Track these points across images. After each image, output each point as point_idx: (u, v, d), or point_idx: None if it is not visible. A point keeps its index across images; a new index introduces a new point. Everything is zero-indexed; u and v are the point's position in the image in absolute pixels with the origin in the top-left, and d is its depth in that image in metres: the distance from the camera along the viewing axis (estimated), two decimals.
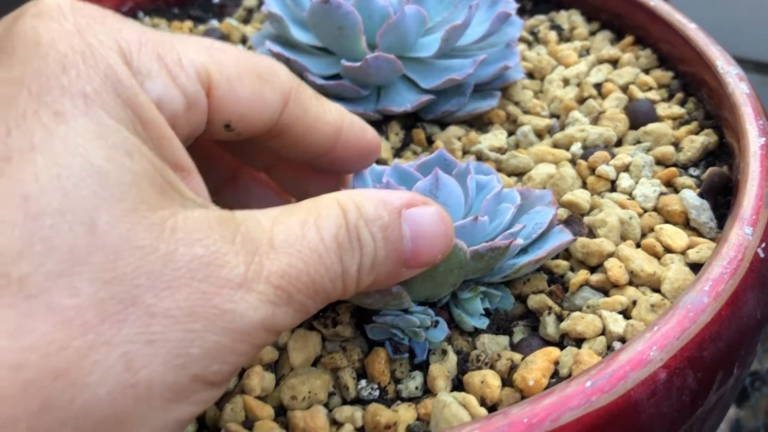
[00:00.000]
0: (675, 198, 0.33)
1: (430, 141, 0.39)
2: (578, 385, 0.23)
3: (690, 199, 0.32)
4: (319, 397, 0.27)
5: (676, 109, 0.39)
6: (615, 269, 0.30)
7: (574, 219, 0.32)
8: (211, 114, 0.24)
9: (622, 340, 0.28)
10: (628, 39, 0.45)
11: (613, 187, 0.35)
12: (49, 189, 0.18)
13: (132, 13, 0.52)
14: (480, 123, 0.40)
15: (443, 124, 0.40)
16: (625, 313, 0.29)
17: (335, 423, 0.26)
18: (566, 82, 0.42)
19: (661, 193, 0.34)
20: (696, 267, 0.30)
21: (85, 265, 0.18)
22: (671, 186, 0.35)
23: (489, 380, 0.27)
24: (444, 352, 0.28)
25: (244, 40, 0.49)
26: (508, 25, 0.41)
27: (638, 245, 0.32)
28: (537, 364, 0.27)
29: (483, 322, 0.30)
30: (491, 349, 0.28)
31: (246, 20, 0.52)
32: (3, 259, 0.18)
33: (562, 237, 0.30)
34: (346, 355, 0.28)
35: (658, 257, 0.31)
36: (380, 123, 0.40)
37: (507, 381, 0.27)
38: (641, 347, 0.24)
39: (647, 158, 0.35)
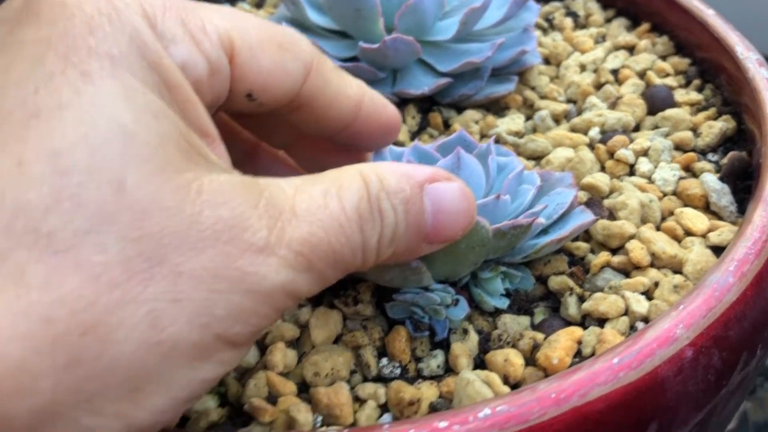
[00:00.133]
0: (695, 182, 0.33)
1: (446, 125, 0.39)
2: (605, 362, 0.23)
3: (711, 182, 0.32)
4: (341, 374, 0.27)
5: (694, 95, 0.39)
6: (637, 251, 0.29)
7: (594, 201, 0.32)
8: (233, 82, 0.24)
9: (645, 320, 0.27)
10: (645, 26, 0.44)
11: (631, 171, 0.35)
12: (77, 146, 0.18)
13: None
14: (496, 107, 0.40)
15: (460, 108, 0.40)
16: (647, 294, 0.29)
17: (358, 400, 0.26)
18: (583, 67, 0.42)
19: (681, 178, 0.34)
20: (717, 250, 0.30)
21: (113, 223, 0.18)
22: (690, 171, 0.35)
23: (512, 358, 0.26)
24: (465, 331, 0.28)
25: None
26: (525, 10, 0.41)
27: (658, 228, 0.32)
28: (561, 343, 0.26)
29: (503, 303, 0.29)
30: (513, 328, 0.28)
31: (259, 5, 0.52)
32: (32, 214, 0.18)
33: (583, 217, 0.30)
34: (367, 333, 0.28)
35: (678, 240, 0.31)
36: (397, 106, 0.39)
37: (529, 360, 0.27)
38: (668, 325, 0.24)
39: (666, 143, 0.35)
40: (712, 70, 0.40)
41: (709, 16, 0.40)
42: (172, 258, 0.19)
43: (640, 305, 0.28)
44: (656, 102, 0.38)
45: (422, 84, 0.39)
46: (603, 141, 0.36)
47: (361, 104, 0.28)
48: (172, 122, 0.20)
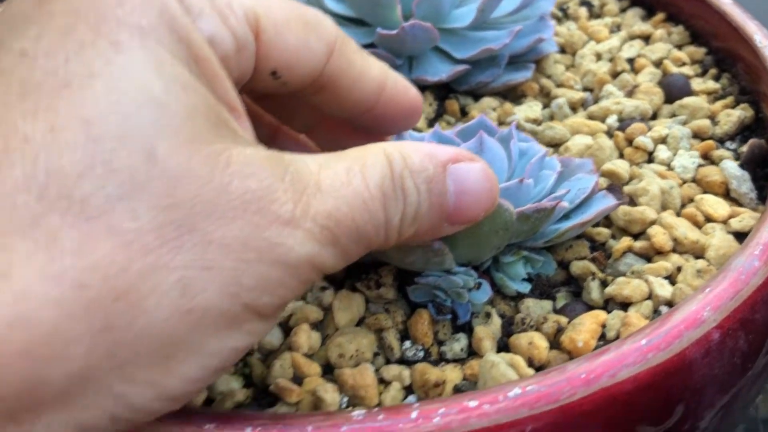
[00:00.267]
0: (714, 169, 0.33)
1: (463, 112, 0.39)
2: (634, 343, 0.23)
3: (731, 169, 0.32)
4: (365, 356, 0.27)
5: (711, 84, 0.39)
6: (659, 236, 0.29)
7: (615, 188, 0.32)
8: (258, 59, 0.24)
9: (669, 304, 0.27)
10: (660, 16, 0.44)
11: (650, 158, 0.35)
12: (108, 114, 0.18)
13: None
14: (513, 95, 0.40)
15: (476, 96, 0.40)
16: (670, 279, 0.29)
17: (382, 381, 0.26)
18: (598, 56, 0.42)
19: (699, 165, 0.34)
20: (739, 235, 0.30)
21: (145, 191, 0.18)
22: (708, 159, 0.35)
23: (536, 341, 0.26)
24: (488, 315, 0.28)
25: None
26: None
27: (678, 215, 0.32)
28: (585, 326, 0.26)
29: (525, 287, 0.29)
30: (536, 312, 0.28)
31: None
32: (65, 179, 0.18)
33: (606, 202, 0.30)
34: (390, 316, 0.28)
35: (698, 226, 0.31)
36: None
37: (553, 344, 0.27)
38: (695, 307, 0.24)
39: (685, 130, 0.35)
40: (729, 59, 0.40)
41: (726, 5, 0.40)
42: (202, 226, 0.19)
43: (664, 289, 0.28)
44: (673, 90, 0.38)
45: (439, 71, 0.39)
46: (621, 128, 0.36)
47: (383, 86, 0.28)
48: (200, 95, 0.20)
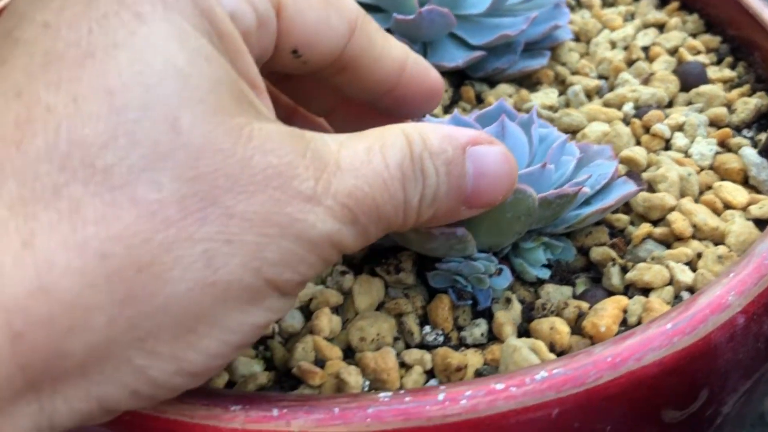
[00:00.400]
0: (732, 156, 0.33)
1: (479, 99, 0.39)
2: (659, 327, 0.23)
3: (750, 156, 0.32)
4: (386, 340, 0.27)
5: (727, 72, 0.39)
6: (679, 222, 0.29)
7: (634, 174, 0.32)
8: (279, 37, 0.24)
9: (690, 289, 0.27)
10: (674, 4, 0.44)
11: (667, 146, 0.35)
12: (132, 84, 0.18)
13: None
14: (528, 83, 0.40)
15: (492, 83, 0.40)
16: (690, 265, 0.29)
17: (404, 365, 0.26)
18: (613, 44, 0.42)
19: (717, 152, 0.34)
20: (759, 222, 0.30)
21: (168, 161, 0.18)
22: (725, 146, 0.35)
23: (558, 326, 0.26)
24: (508, 301, 0.28)
25: None
26: None
27: (696, 202, 0.32)
28: (608, 311, 0.26)
29: (545, 273, 0.29)
30: (556, 298, 0.28)
31: None
32: (88, 149, 0.18)
33: (627, 188, 0.30)
34: (410, 301, 0.28)
35: (717, 213, 0.31)
36: None
37: (574, 329, 0.27)
38: (719, 291, 0.24)
39: (702, 118, 0.35)
40: (745, 47, 0.40)
41: None
42: (225, 199, 0.19)
43: (685, 275, 0.28)
44: (689, 78, 0.38)
45: (456, 57, 0.38)
46: (638, 116, 0.36)
47: (404, 66, 0.27)
48: (223, 68, 0.20)
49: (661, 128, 0.35)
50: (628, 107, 0.37)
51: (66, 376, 0.18)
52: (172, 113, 0.18)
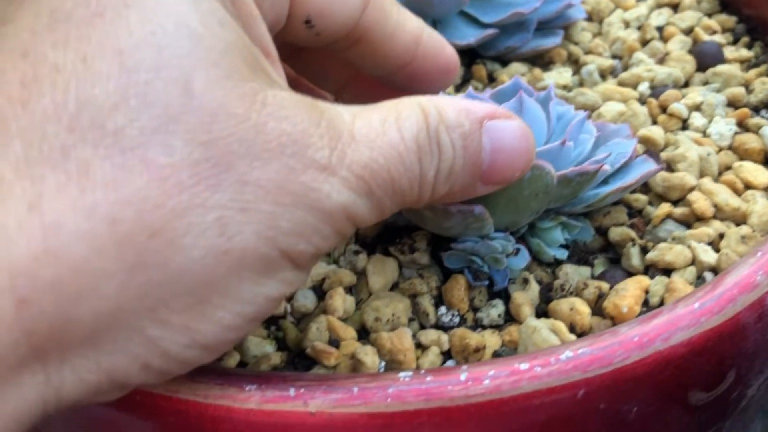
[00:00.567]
0: (752, 136, 0.32)
1: (491, 78, 0.38)
2: (687, 306, 0.22)
3: None
4: (401, 320, 0.26)
5: (744, 52, 0.38)
6: (700, 202, 0.29)
7: (653, 153, 0.31)
8: (292, 6, 0.23)
9: (713, 270, 0.27)
10: None
11: (684, 126, 0.34)
12: (143, 45, 0.18)
13: None
14: (541, 62, 0.39)
15: (504, 62, 0.39)
16: (712, 245, 0.28)
17: (420, 346, 0.25)
18: (626, 24, 0.41)
19: (736, 133, 0.33)
20: None
21: (180, 124, 0.17)
22: (743, 126, 0.34)
23: (578, 307, 0.26)
24: (525, 281, 0.27)
25: None
26: None
27: (715, 182, 0.31)
28: (629, 292, 0.26)
29: (562, 253, 0.29)
30: (574, 278, 0.28)
31: None
32: (98, 110, 0.17)
33: (647, 166, 0.29)
34: (424, 281, 0.27)
35: (738, 193, 0.30)
36: None
37: (594, 310, 0.26)
38: (747, 271, 0.23)
39: (720, 98, 0.34)
40: (761, 27, 0.39)
41: None
42: (239, 165, 0.18)
43: (708, 255, 0.27)
44: (706, 58, 0.37)
45: (467, 35, 0.38)
46: (654, 95, 0.35)
47: (419, 40, 0.27)
48: (237, 32, 0.19)
49: (679, 108, 0.34)
50: (644, 87, 0.36)
51: (75, 344, 0.17)
52: (185, 75, 0.18)
